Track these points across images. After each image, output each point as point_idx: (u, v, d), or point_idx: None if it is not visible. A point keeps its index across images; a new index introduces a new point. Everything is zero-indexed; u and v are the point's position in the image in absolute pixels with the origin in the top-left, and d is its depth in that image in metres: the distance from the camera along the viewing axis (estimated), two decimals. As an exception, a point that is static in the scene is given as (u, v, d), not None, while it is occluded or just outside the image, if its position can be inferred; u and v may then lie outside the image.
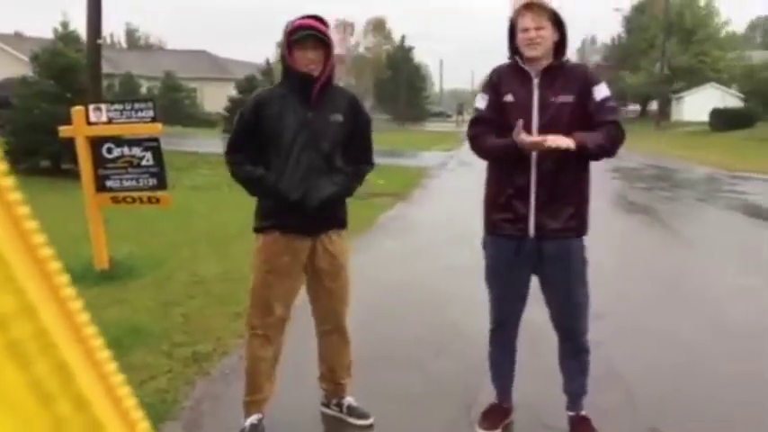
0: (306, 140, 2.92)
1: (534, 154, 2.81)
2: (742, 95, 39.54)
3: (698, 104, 42.78)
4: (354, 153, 3.10)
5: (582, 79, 2.86)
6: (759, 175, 16.67)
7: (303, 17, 2.89)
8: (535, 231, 2.88)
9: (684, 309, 5.26)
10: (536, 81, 2.84)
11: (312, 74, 2.89)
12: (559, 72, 2.85)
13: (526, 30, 2.79)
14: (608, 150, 2.80)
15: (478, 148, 2.97)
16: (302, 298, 3.25)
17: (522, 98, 2.85)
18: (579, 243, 2.97)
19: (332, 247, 3.06)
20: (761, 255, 7.54)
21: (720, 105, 36.58)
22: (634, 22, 56.88)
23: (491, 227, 3.02)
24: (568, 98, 2.82)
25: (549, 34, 2.80)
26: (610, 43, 64.54)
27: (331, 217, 3.06)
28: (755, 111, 33.85)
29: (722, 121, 33.54)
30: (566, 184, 2.87)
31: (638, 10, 56.92)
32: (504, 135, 2.82)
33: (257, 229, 3.06)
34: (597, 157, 2.84)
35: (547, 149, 2.71)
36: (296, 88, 2.94)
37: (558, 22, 2.82)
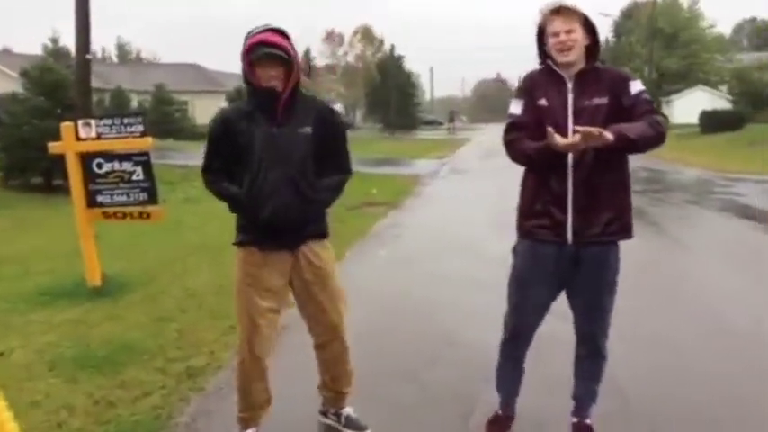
0: (272, 157, 2.87)
1: (570, 160, 2.77)
2: (731, 97, 39.74)
3: (687, 107, 42.92)
4: (330, 163, 3.05)
5: (615, 80, 2.81)
6: (750, 176, 16.77)
7: (261, 30, 2.83)
8: (573, 237, 2.84)
9: (679, 312, 5.27)
10: (570, 85, 2.80)
11: (276, 89, 2.85)
12: (593, 75, 2.80)
13: (556, 34, 2.76)
14: (652, 139, 2.69)
15: (514, 153, 2.91)
16: (295, 310, 3.23)
17: (557, 102, 2.80)
18: (616, 251, 2.94)
19: (315, 259, 3.03)
20: (754, 256, 7.56)
21: (710, 108, 36.74)
22: (622, 26, 57.21)
23: (527, 233, 2.96)
24: (603, 100, 2.77)
25: (579, 37, 2.76)
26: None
27: (309, 230, 3.02)
28: (745, 112, 34.03)
29: (712, 123, 33.67)
30: (604, 189, 2.81)
31: (625, 15, 57.28)
32: (539, 140, 2.78)
33: (236, 244, 3.05)
34: (640, 148, 2.71)
35: (584, 147, 2.66)
36: (261, 104, 2.90)
37: (588, 26, 2.79)
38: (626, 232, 2.91)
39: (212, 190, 3.03)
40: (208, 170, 3.03)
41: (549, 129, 2.68)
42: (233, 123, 2.92)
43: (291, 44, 2.87)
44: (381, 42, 61.12)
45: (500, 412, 3.25)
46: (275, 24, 2.88)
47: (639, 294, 5.74)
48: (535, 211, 2.91)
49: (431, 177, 17.23)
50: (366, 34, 60.47)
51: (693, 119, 36.52)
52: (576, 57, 2.77)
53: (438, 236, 8.77)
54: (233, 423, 3.15)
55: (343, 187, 3.12)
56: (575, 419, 3.16)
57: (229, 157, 2.94)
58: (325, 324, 3.14)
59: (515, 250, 3.06)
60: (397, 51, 59.34)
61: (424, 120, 66.01)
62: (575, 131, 2.66)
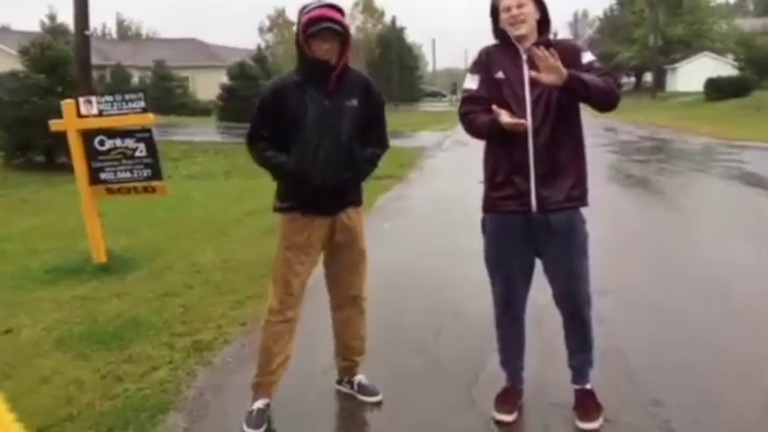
0: (324, 128, 2.97)
1: (530, 127, 2.80)
2: (737, 64, 39.32)
3: (693, 74, 42.52)
4: (371, 135, 3.16)
5: (567, 52, 2.84)
6: (755, 143, 16.65)
7: (319, 5, 2.90)
8: (537, 205, 2.87)
9: (684, 281, 5.26)
10: (525, 57, 2.85)
11: (330, 62, 2.93)
12: (546, 48, 2.80)
13: (508, 9, 2.83)
14: (603, 92, 2.76)
15: (469, 127, 2.98)
16: (313, 279, 3.25)
17: (513, 74, 2.86)
18: (580, 216, 2.97)
19: (349, 222, 3.16)
20: (761, 224, 7.53)
21: (715, 75, 36.35)
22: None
23: (492, 206, 2.99)
24: None
25: (530, 11, 2.84)
26: (603, 16, 64.21)
27: (348, 197, 3.16)
28: (751, 79, 33.70)
29: (717, 90, 33.38)
30: (564, 156, 2.86)
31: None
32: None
33: (278, 209, 3.15)
34: (592, 93, 2.75)
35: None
36: (313, 76, 2.98)
37: (538, 1, 2.87)
38: (584, 199, 2.97)
39: (258, 157, 3.09)
40: (255, 138, 3.09)
41: (494, 107, 2.79)
42: (284, 94, 3.00)
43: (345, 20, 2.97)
44: (382, 14, 60.58)
45: (509, 386, 3.25)
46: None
47: (644, 264, 5.74)
48: (497, 182, 2.95)
49: (434, 149, 17.19)
50: (367, 6, 59.85)
51: (699, 86, 36.18)
52: (527, 30, 2.86)
53: (442, 208, 8.76)
54: (241, 397, 3.18)
55: (379, 160, 3.24)
56: (576, 386, 3.18)
57: (277, 126, 3.02)
58: (347, 284, 3.28)
59: (484, 226, 3.08)
60: (399, 23, 58.87)
61: (427, 92, 65.59)
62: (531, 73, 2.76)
